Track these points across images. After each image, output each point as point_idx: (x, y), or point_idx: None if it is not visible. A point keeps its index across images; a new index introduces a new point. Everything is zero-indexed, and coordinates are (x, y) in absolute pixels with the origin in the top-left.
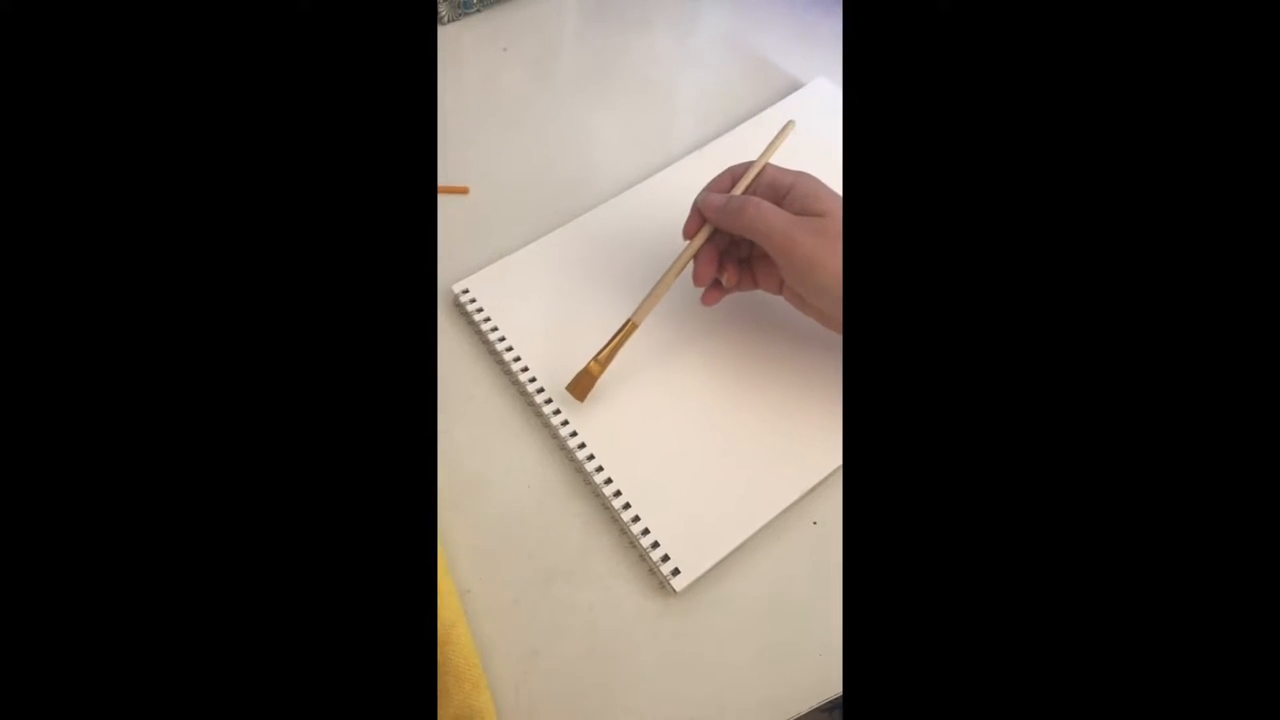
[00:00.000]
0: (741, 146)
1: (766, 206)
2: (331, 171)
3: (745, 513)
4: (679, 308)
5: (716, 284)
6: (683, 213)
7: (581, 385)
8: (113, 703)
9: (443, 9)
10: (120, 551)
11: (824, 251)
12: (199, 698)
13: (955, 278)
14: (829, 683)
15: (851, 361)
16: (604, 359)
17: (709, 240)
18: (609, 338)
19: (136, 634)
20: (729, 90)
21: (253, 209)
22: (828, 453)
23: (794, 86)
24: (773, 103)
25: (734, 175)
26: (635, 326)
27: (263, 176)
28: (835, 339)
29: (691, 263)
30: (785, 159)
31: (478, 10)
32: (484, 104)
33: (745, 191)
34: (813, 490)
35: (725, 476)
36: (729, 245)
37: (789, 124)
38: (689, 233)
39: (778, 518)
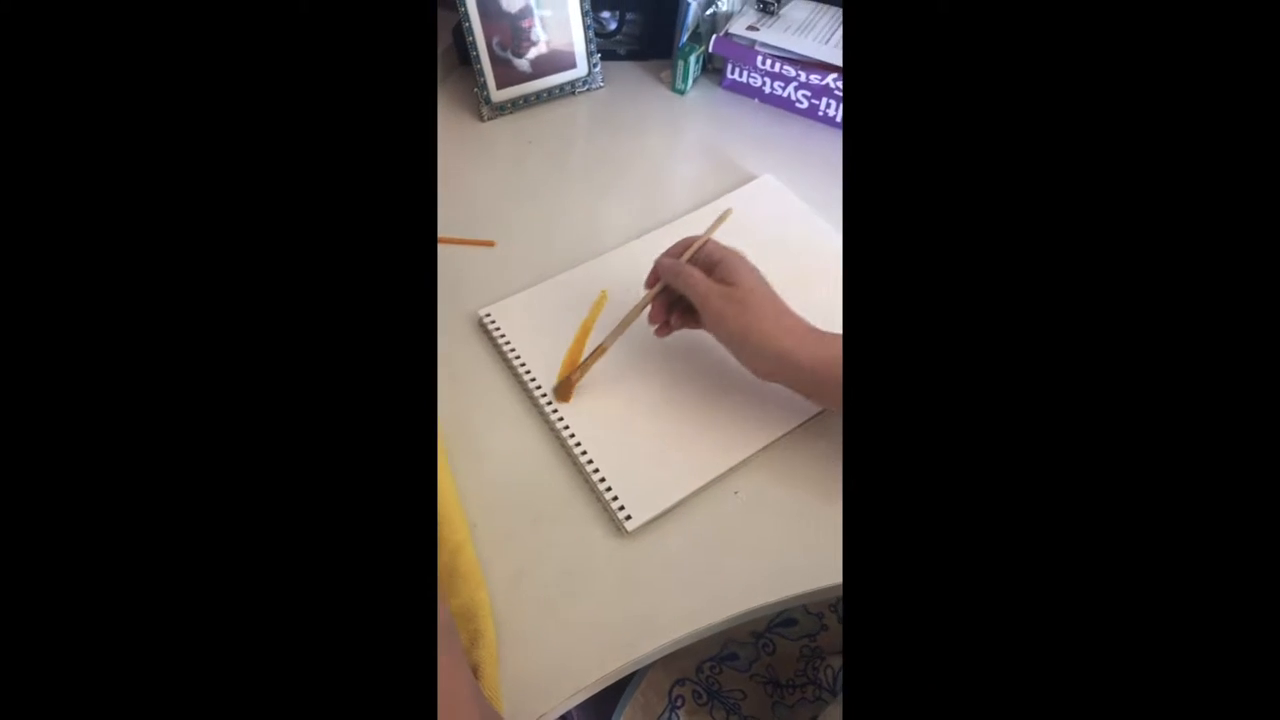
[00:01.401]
0: (704, 222)
1: (697, 274)
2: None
3: (682, 479)
4: (642, 338)
5: (666, 323)
6: None
7: (563, 390)
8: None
9: (484, 110)
10: (151, 516)
11: (729, 311)
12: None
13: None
14: (731, 604)
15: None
16: (582, 368)
17: (662, 290)
18: (585, 356)
19: (163, 598)
20: (699, 179)
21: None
22: (746, 442)
23: (748, 179)
24: (730, 191)
25: (685, 244)
26: (605, 350)
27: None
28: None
29: (649, 307)
30: (732, 233)
31: (510, 112)
32: (511, 182)
33: (689, 259)
34: (734, 468)
35: (669, 453)
36: (679, 296)
37: (726, 211)
38: (648, 284)
39: (707, 485)
